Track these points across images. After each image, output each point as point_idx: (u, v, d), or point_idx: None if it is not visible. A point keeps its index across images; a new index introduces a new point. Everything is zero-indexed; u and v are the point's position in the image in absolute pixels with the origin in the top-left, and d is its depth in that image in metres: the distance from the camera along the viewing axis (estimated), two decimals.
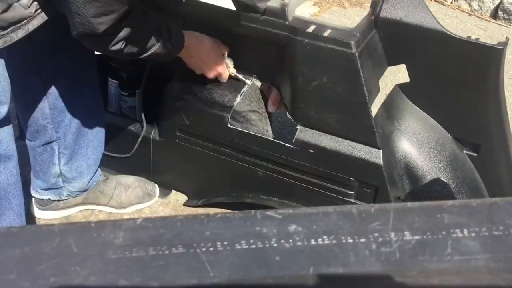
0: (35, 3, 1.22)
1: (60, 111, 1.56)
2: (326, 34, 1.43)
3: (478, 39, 1.47)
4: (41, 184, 1.69)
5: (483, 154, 1.62)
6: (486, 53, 1.44)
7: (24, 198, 1.74)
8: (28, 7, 1.21)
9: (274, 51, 1.53)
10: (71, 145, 1.64)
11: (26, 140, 1.63)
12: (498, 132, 1.57)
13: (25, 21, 1.22)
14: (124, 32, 1.24)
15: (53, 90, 1.52)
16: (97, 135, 1.69)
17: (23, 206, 1.43)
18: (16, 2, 1.19)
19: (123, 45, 1.26)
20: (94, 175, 1.74)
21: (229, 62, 1.60)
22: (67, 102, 1.57)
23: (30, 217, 1.73)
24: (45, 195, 1.71)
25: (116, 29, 1.21)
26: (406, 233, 0.48)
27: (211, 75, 1.57)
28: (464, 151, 1.64)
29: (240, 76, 1.62)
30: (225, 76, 1.60)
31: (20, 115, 1.59)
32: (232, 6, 1.51)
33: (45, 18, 1.26)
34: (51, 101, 1.53)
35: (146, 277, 0.46)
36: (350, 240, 0.48)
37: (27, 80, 1.47)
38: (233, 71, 1.61)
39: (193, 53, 1.51)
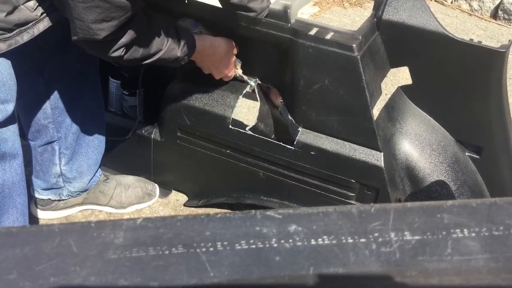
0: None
1: (61, 111, 1.57)
2: (328, 37, 1.43)
3: (481, 42, 1.47)
4: (42, 184, 1.69)
5: (485, 157, 1.62)
6: (488, 56, 1.44)
7: None
8: (34, 10, 1.21)
9: (276, 53, 1.53)
10: (72, 145, 1.64)
11: (27, 140, 1.63)
12: (500, 134, 1.57)
13: (30, 24, 1.22)
14: (125, 38, 1.22)
15: (55, 90, 1.52)
16: (98, 135, 1.69)
17: (27, 204, 1.44)
18: (22, 4, 1.19)
19: (123, 52, 1.24)
20: (94, 175, 1.74)
21: (237, 63, 1.60)
22: (69, 102, 1.57)
23: (30, 217, 1.73)
24: (45, 195, 1.71)
25: (117, 35, 1.20)
26: (406, 233, 0.48)
27: (218, 77, 1.57)
28: (467, 154, 1.64)
29: (245, 77, 1.61)
30: (230, 78, 1.60)
31: (22, 115, 1.60)
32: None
33: (50, 23, 1.26)
34: (53, 101, 1.54)
35: (146, 277, 0.46)
36: (350, 240, 0.48)
37: (29, 79, 1.47)
38: (239, 71, 1.60)
39: (206, 58, 1.50)
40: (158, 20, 1.33)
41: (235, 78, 1.62)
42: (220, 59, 1.52)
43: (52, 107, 1.54)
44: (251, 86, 1.62)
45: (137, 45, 1.27)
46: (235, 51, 1.57)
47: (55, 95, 1.53)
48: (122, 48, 1.24)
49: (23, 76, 1.42)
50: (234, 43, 1.55)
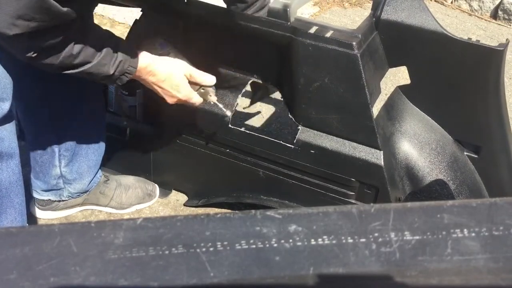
0: None
1: (61, 113, 1.56)
2: (328, 35, 1.44)
3: (479, 40, 1.47)
4: (42, 185, 1.69)
5: (483, 156, 1.62)
6: (486, 54, 1.44)
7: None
8: None
9: (275, 51, 1.53)
10: (72, 147, 1.63)
11: (26, 141, 1.63)
12: (498, 133, 1.57)
13: None
14: (41, 42, 1.09)
15: (54, 92, 1.52)
16: (98, 136, 1.69)
17: (25, 204, 1.43)
18: None
19: (34, 55, 1.11)
20: (94, 176, 1.74)
21: (211, 90, 1.48)
22: (69, 104, 1.56)
23: (30, 217, 1.73)
24: (46, 196, 1.71)
25: (31, 36, 1.06)
26: (406, 233, 0.48)
27: (171, 101, 1.42)
28: (465, 153, 1.64)
29: (221, 106, 1.54)
30: (194, 104, 1.46)
31: (21, 116, 1.59)
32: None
33: None
34: (52, 102, 1.53)
35: (146, 277, 0.46)
36: (350, 240, 0.48)
37: (28, 81, 1.46)
38: (213, 99, 1.49)
39: (144, 77, 1.36)
40: (95, 31, 1.23)
41: (207, 104, 1.53)
42: (162, 80, 1.37)
43: (52, 109, 1.54)
44: (226, 116, 1.55)
45: (57, 52, 1.13)
46: (194, 78, 1.42)
47: (54, 97, 1.52)
48: (33, 52, 1.11)
49: (22, 77, 1.42)
50: (191, 67, 1.42)
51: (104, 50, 1.21)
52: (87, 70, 1.20)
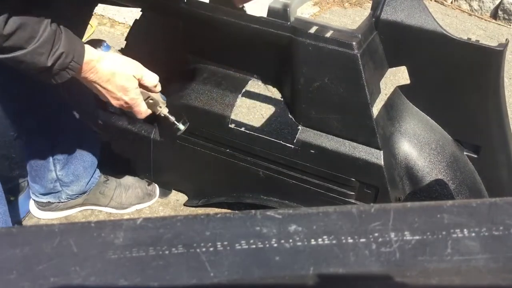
0: None
1: (54, 116, 1.54)
2: (328, 35, 1.44)
3: (479, 41, 1.47)
4: (39, 188, 1.67)
5: (483, 156, 1.62)
6: (486, 54, 1.44)
7: (23, 198, 1.75)
8: None
9: (275, 51, 1.53)
10: (66, 150, 1.61)
11: (23, 146, 1.62)
12: (498, 133, 1.57)
13: None
14: None
15: (47, 95, 1.48)
16: (92, 136, 1.68)
17: (8, 213, 1.40)
18: None
19: None
20: (92, 177, 1.73)
21: (161, 100, 1.40)
22: (62, 106, 1.54)
23: (30, 218, 1.74)
24: (44, 199, 1.70)
25: None
26: (406, 233, 0.48)
27: (116, 103, 1.29)
28: (465, 153, 1.64)
29: (172, 119, 1.45)
30: (141, 113, 1.33)
31: (15, 121, 1.57)
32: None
33: None
34: (45, 106, 1.50)
35: (146, 277, 0.46)
36: (350, 240, 0.48)
37: (21, 86, 1.43)
38: (164, 111, 1.42)
39: (85, 75, 1.20)
40: (37, 12, 1.03)
41: (158, 117, 1.44)
42: (106, 79, 1.21)
43: (45, 113, 1.51)
44: (179, 130, 1.47)
45: None
46: (143, 81, 1.29)
47: (48, 100, 1.49)
48: None
49: (15, 82, 1.39)
50: (143, 68, 1.29)
51: (44, 36, 1.03)
52: (19, 57, 1.02)
